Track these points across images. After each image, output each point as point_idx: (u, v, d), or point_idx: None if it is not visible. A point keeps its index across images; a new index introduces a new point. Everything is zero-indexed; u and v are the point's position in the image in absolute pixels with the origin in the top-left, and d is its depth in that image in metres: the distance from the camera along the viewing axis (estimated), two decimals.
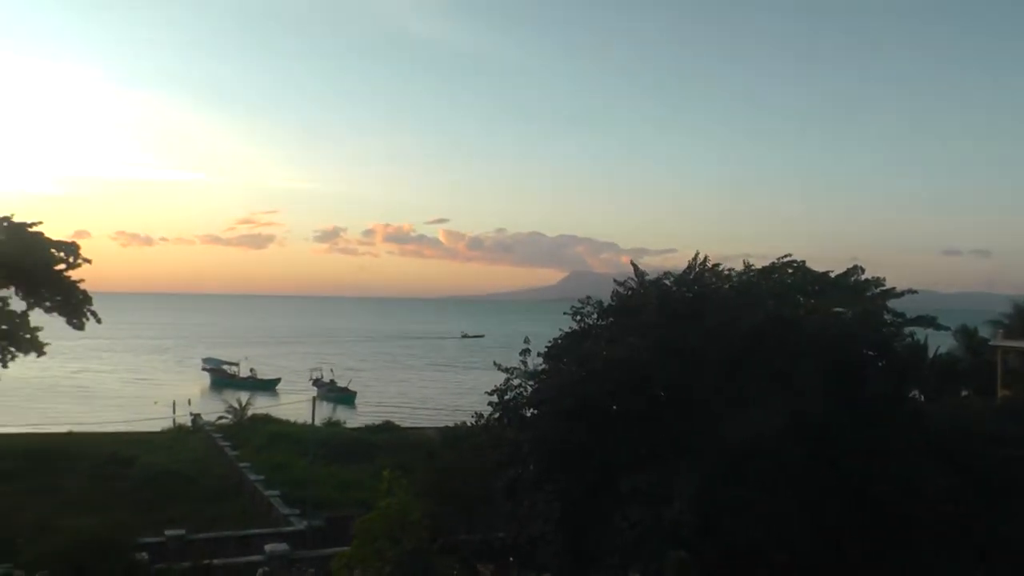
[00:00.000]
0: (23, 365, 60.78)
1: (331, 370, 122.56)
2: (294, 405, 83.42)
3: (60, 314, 59.48)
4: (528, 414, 26.55)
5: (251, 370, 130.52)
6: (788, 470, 21.55)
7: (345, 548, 25.38)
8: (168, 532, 34.13)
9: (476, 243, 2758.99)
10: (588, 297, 28.47)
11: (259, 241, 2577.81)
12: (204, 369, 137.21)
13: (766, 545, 21.04)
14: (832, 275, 27.66)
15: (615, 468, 23.02)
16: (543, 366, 27.29)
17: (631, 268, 28.43)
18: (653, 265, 30.32)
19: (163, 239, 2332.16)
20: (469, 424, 31.32)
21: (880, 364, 25.41)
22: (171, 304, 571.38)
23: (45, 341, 58.76)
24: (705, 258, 27.34)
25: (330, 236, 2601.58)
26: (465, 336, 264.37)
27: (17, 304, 58.80)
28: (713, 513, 21.17)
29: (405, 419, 79.94)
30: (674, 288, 26.76)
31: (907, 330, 27.60)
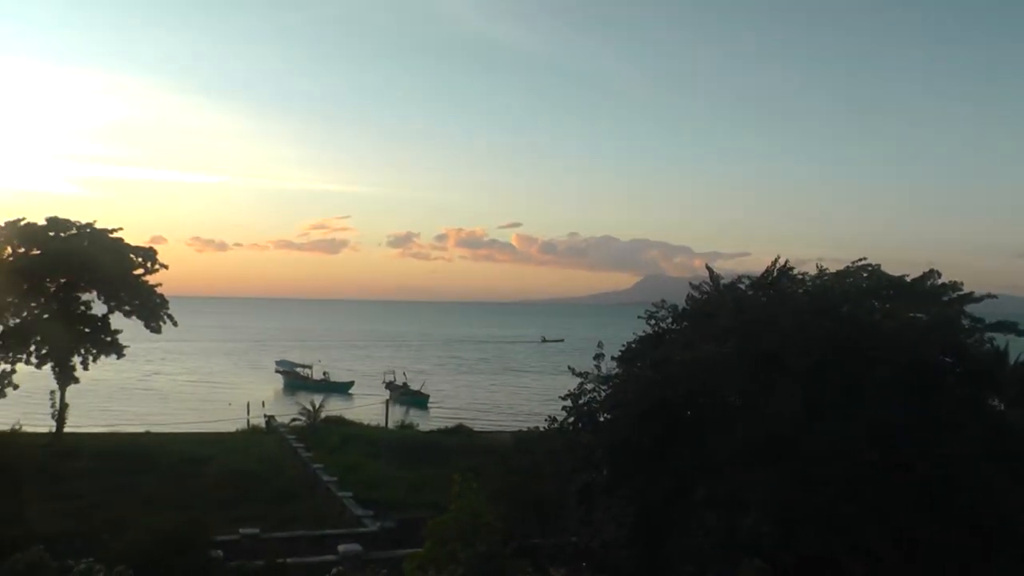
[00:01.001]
0: (103, 366, 61.93)
1: (404, 373, 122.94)
2: (367, 407, 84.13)
3: (138, 317, 60.66)
4: (602, 418, 26.40)
5: (324, 373, 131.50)
6: (865, 478, 21.18)
7: (417, 550, 25.40)
8: (243, 530, 34.45)
9: (549, 247, 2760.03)
10: (662, 301, 28.25)
11: (332, 246, 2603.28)
12: (278, 371, 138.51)
13: (843, 554, 20.70)
14: (908, 279, 27.10)
15: (689, 474, 22.79)
16: (617, 370, 27.15)
17: (705, 272, 28.19)
18: (727, 269, 29.99)
19: (237, 244, 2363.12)
20: (543, 428, 31.11)
21: (957, 370, 24.90)
22: (245, 308, 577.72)
23: (124, 343, 59.97)
24: (786, 262, 27.04)
25: (403, 241, 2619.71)
26: (545, 340, 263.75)
27: (98, 308, 60.06)
28: (790, 521, 20.87)
29: (477, 423, 79.93)
30: (749, 292, 26.48)
31: (986, 336, 26.96)
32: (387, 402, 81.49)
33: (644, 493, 23.48)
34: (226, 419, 77.63)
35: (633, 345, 27.60)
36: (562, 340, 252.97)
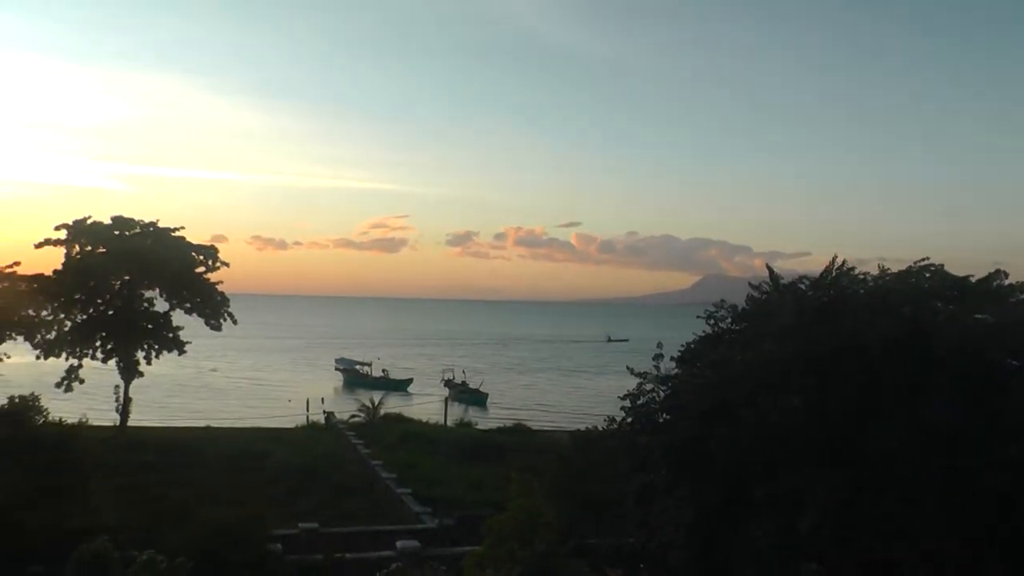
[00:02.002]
0: (163, 362, 62.79)
1: (463, 371, 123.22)
2: (425, 405, 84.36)
3: (199, 315, 61.54)
4: (661, 419, 26.32)
5: (383, 370, 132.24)
6: (927, 482, 20.92)
7: (475, 547, 25.50)
8: (301, 525, 34.73)
9: (608, 246, 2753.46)
10: (722, 301, 28.03)
11: (391, 245, 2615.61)
12: (337, 369, 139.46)
13: (905, 559, 20.48)
14: (972, 279, 26.62)
15: (748, 476, 22.66)
16: (676, 371, 27.05)
17: (765, 271, 27.93)
18: (786, 269, 29.75)
19: (297, 243, 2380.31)
20: (601, 428, 31.08)
21: None
22: (304, 306, 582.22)
23: (186, 340, 60.80)
24: (843, 262, 26.71)
25: (462, 240, 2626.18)
26: (611, 340, 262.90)
27: (161, 305, 61.00)
28: (848, 524, 20.68)
29: (536, 422, 79.89)
30: (809, 292, 26.24)
31: None
32: (446, 400, 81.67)
33: (702, 494, 23.38)
34: (286, 415, 78.26)
35: (692, 345, 27.44)
36: (627, 340, 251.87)
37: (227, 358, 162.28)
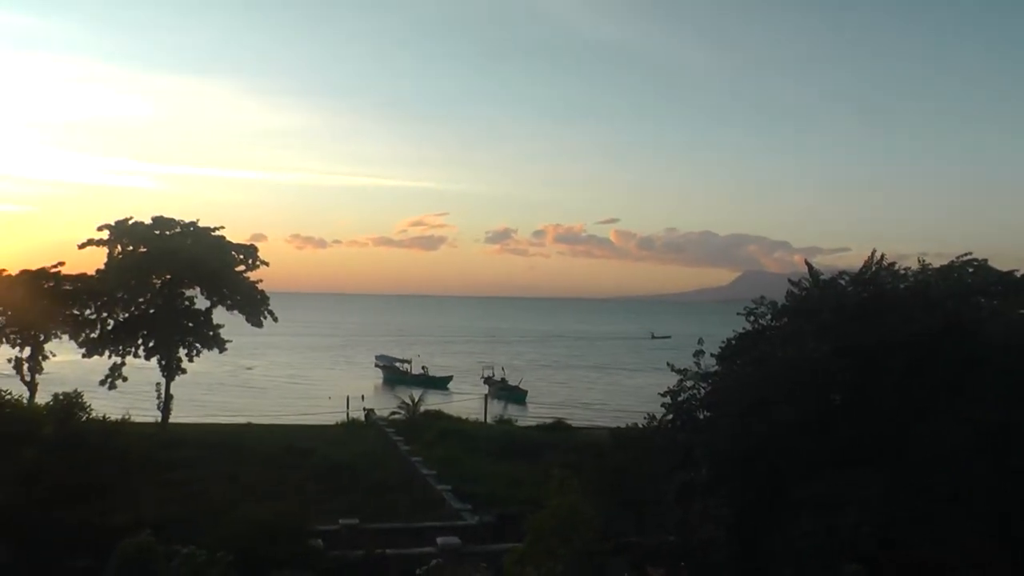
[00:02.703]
0: (202, 360, 63.35)
1: (502, 368, 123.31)
2: (465, 402, 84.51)
3: (240, 312, 61.99)
4: (701, 416, 26.23)
5: (423, 367, 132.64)
6: (972, 482, 20.69)
7: (516, 544, 25.48)
8: (342, 521, 34.83)
9: (647, 243, 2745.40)
10: (762, 297, 27.89)
11: (430, 243, 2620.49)
12: (377, 366, 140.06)
13: (950, 561, 20.27)
14: (1018, 274, 26.28)
15: (789, 474, 22.53)
16: (716, 368, 26.94)
17: (804, 268, 27.76)
18: (825, 264, 29.48)
19: (336, 241, 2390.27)
20: (641, 425, 30.99)
21: None
22: (344, 304, 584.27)
23: (226, 338, 61.36)
24: (882, 256, 26.46)
25: (501, 237, 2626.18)
26: (654, 336, 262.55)
27: (201, 303, 61.61)
28: (891, 524, 20.51)
29: (575, 419, 79.73)
30: (849, 288, 26.04)
31: None
32: (486, 397, 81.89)
33: (742, 493, 23.27)
34: (326, 412, 78.59)
35: (732, 342, 27.35)
36: (669, 337, 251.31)
37: (265, 356, 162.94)
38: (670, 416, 26.75)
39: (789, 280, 27.71)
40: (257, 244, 63.28)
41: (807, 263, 27.81)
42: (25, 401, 45.34)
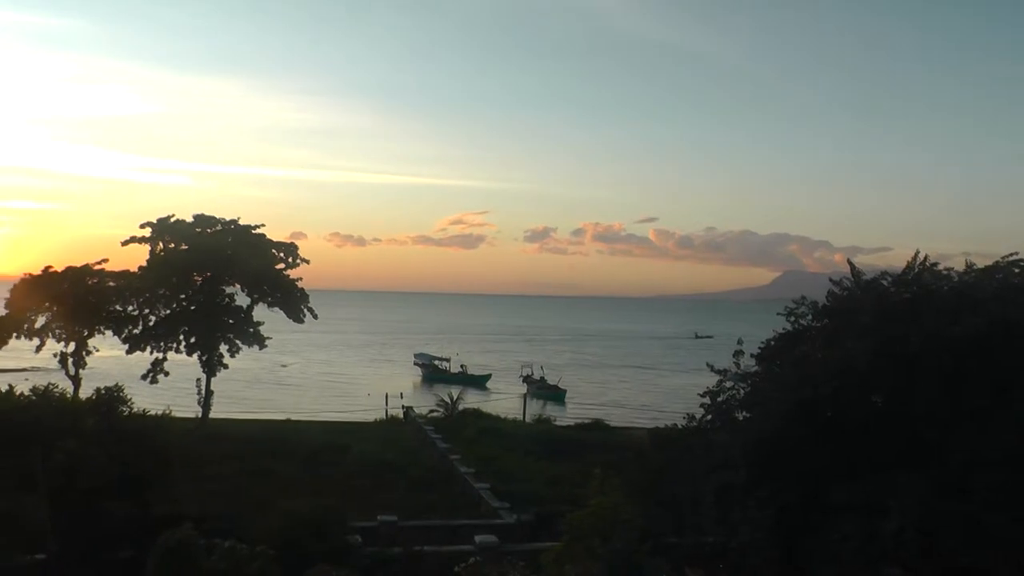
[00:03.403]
0: (240, 356, 63.96)
1: (541, 367, 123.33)
2: (504, 401, 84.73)
3: (280, 309, 62.63)
4: (740, 417, 26.09)
5: (462, 366, 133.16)
6: (1019, 488, 20.44)
7: (554, 544, 25.50)
8: (380, 517, 34.99)
9: (686, 242, 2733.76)
10: (802, 297, 27.62)
11: (470, 241, 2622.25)
12: (416, 364, 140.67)
13: (993, 567, 20.04)
14: None
15: (829, 477, 22.35)
16: (756, 368, 26.79)
17: (845, 267, 27.40)
18: (867, 264, 29.07)
19: (376, 240, 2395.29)
20: (680, 426, 30.88)
21: None
22: (383, 302, 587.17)
23: (267, 335, 61.94)
24: (925, 257, 26.16)
25: (540, 236, 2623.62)
26: (698, 336, 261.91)
27: (242, 300, 62.30)
28: (934, 529, 20.28)
29: (614, 419, 79.65)
30: (892, 289, 25.78)
31: None
32: (524, 396, 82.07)
33: (781, 495, 23.11)
34: (364, 409, 79.09)
35: (772, 342, 27.15)
36: (711, 336, 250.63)
37: (300, 354, 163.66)
38: (709, 417, 26.62)
39: (830, 279, 27.40)
40: (297, 242, 63.91)
41: (849, 262, 27.43)
42: (69, 395, 45.96)
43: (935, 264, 26.15)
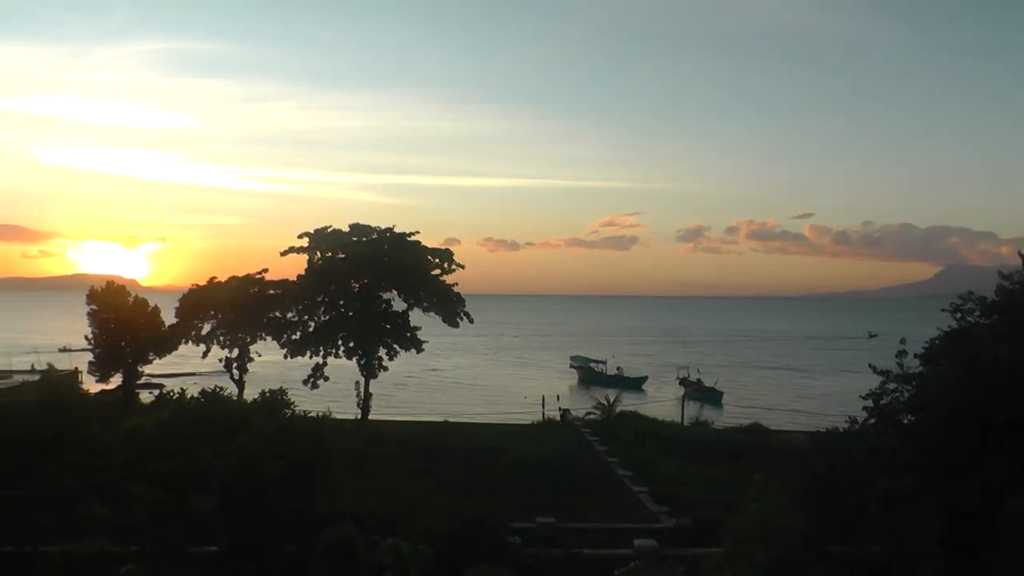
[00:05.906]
0: (403, 360, 65.33)
1: (698, 369, 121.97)
2: (661, 403, 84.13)
3: (436, 314, 63.78)
4: (906, 420, 25.31)
5: (618, 368, 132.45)
6: None
7: (713, 549, 25.16)
8: (540, 519, 35.08)
9: (843, 237, 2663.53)
10: (969, 292, 26.65)
11: (622, 243, 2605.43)
12: (572, 367, 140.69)
13: None
14: None
15: (1003, 484, 21.49)
16: (920, 369, 25.95)
17: (1013, 259, 26.29)
18: None
19: (528, 244, 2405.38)
20: (842, 430, 30.12)
21: None
22: (537, 305, 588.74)
23: (423, 339, 63.15)
24: None
25: (692, 235, 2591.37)
26: (871, 336, 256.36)
27: (398, 305, 63.69)
28: None
29: (773, 421, 78.19)
30: None
31: None
32: (682, 398, 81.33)
33: (953, 503, 22.30)
34: (521, 412, 79.45)
35: (937, 342, 26.26)
36: (876, 335, 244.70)
37: (451, 358, 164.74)
38: (872, 420, 25.88)
39: (999, 273, 26.34)
40: (451, 248, 65.06)
41: (1020, 254, 26.33)
42: (235, 398, 47.72)
43: None
